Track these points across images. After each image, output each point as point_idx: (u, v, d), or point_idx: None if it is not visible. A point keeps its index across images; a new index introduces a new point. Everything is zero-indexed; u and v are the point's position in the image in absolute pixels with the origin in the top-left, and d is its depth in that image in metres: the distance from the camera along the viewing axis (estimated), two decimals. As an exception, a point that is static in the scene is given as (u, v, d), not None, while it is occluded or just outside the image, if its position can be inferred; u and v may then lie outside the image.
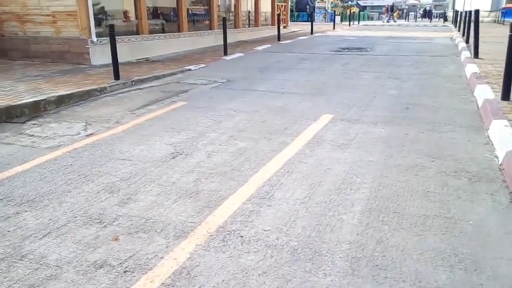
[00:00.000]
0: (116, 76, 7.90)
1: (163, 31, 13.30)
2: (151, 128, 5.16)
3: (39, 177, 3.71)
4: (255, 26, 19.33)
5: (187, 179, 3.59)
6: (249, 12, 19.35)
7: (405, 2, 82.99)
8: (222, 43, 11.89)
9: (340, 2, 52.07)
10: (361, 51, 12.51)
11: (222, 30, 11.71)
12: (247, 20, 19.27)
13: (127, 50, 11.29)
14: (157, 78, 8.55)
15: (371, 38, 17.41)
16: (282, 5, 22.10)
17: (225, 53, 11.70)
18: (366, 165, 3.80)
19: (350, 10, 42.25)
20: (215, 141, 4.62)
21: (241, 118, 5.52)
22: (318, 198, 3.16)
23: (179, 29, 13.92)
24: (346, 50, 12.73)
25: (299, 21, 45.02)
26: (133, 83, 7.97)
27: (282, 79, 8.17)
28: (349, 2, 58.06)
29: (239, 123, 5.29)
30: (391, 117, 5.40)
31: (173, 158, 4.11)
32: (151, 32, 12.61)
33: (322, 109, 5.87)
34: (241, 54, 11.98)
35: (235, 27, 17.56)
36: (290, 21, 44.26)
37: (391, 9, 40.79)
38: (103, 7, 11.19)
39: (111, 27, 8.11)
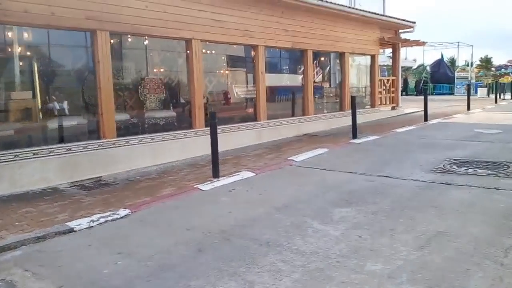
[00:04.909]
0: None
1: (147, 130, 8.68)
2: None
3: None
4: (340, 111, 13.67)
5: None
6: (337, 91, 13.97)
7: None
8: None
9: (487, 71, 42.92)
10: (497, 171, 5.96)
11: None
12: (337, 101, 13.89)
13: (61, 166, 6.80)
14: None
15: (527, 128, 10.23)
16: (387, 79, 16.09)
17: (215, 175, 6.40)
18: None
19: (498, 80, 33.13)
20: None
21: None
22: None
23: (191, 125, 9.16)
24: (464, 167, 6.28)
25: (435, 95, 37.71)
26: None
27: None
28: (503, 69, 47.47)
29: None
30: None
31: None
32: (126, 132, 8.10)
33: None
34: (245, 176, 6.49)
35: (304, 113, 12.19)
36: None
37: None
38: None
39: None
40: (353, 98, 9.61)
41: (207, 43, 9.86)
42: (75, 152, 7.07)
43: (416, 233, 3.82)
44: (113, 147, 7.58)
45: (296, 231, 4.04)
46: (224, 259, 3.49)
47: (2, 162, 6.21)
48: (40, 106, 7.73)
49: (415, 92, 37.43)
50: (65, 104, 8.03)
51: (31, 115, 7.69)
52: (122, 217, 4.80)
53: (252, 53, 10.60)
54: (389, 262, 3.27)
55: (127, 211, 4.97)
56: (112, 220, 4.73)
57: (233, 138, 9.75)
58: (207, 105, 10.77)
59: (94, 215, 4.85)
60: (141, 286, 3.12)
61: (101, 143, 7.45)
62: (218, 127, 9.74)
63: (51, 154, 6.78)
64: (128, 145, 7.83)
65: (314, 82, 13.36)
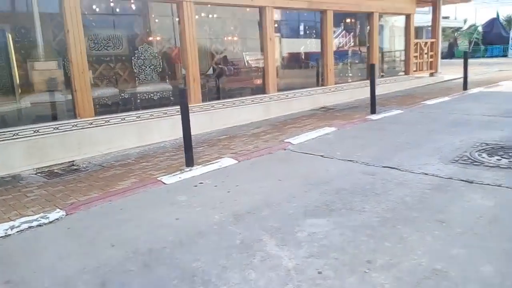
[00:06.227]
0: None
1: (139, 106, 7.85)
2: None
3: None
4: (367, 79, 12.17)
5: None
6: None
7: None
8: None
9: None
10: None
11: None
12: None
13: (27, 150, 6.07)
14: None
15: None
16: (425, 43, 14.22)
17: (189, 163, 5.42)
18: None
19: None
20: None
21: None
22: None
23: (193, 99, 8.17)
24: (496, 156, 4.93)
25: (487, 57, 34.56)
26: None
27: None
28: None
29: None
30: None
31: None
32: (116, 109, 7.32)
33: None
34: (223, 165, 5.47)
35: (324, 83, 10.90)
36: (474, 57, 33.40)
37: None
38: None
39: None
40: (372, 66, 8.20)
41: (209, 5, 8.76)
42: (44, 134, 6.31)
43: (400, 271, 2.68)
44: (89, 127, 6.77)
45: (240, 257, 3.01)
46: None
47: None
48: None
49: (448, 56, 33.82)
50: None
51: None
52: (50, 222, 3.96)
53: (259, 16, 9.33)
54: None
55: (60, 214, 4.12)
56: (38, 225, 3.90)
57: (235, 113, 8.72)
58: (212, 77, 9.81)
59: (21, 218, 4.05)
60: None
61: (76, 123, 6.65)
62: (219, 101, 8.78)
63: (14, 137, 6.05)
64: (108, 124, 6.99)
65: (339, 47, 11.96)
